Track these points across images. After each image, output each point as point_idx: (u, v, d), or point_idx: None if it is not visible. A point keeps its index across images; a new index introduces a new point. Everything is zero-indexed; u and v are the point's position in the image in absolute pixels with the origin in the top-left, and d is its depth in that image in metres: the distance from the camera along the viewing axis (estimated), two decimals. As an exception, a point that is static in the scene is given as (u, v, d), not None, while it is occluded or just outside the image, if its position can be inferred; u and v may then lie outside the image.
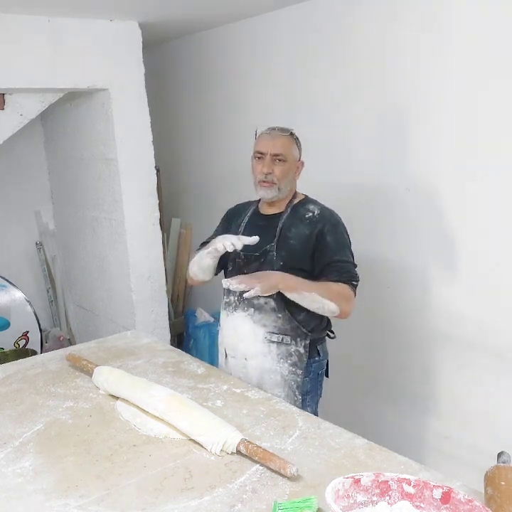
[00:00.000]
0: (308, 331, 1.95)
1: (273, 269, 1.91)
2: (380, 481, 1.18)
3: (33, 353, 3.18)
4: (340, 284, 1.88)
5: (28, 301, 3.54)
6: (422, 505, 1.15)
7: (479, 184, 2.19)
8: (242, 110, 3.20)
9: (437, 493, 1.14)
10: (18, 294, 3.53)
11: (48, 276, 3.91)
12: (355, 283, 1.91)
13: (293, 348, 1.95)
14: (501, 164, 2.11)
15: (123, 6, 2.64)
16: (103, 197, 3.20)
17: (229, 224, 2.14)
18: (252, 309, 1.96)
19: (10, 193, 3.75)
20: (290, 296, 1.86)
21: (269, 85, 3.00)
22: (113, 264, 3.27)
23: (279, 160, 1.93)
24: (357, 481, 1.17)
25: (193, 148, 3.67)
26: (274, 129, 1.97)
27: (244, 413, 1.66)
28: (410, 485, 1.17)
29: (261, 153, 1.95)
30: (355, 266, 1.95)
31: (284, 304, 1.91)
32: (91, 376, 1.89)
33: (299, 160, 2.01)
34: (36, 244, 3.89)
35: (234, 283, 1.79)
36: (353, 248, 1.98)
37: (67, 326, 3.93)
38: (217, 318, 2.95)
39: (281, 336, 1.94)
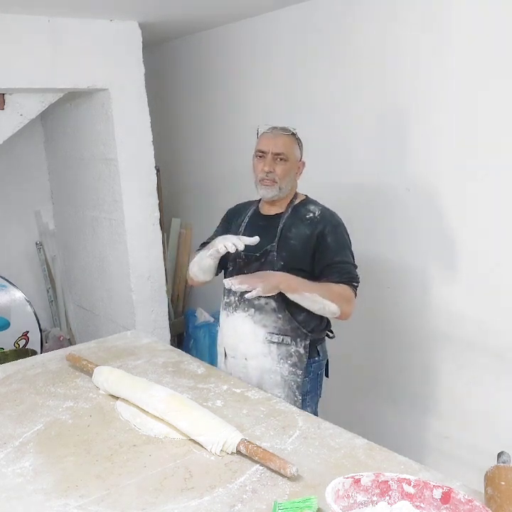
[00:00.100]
0: (308, 332, 1.95)
1: (274, 270, 1.91)
2: (380, 481, 1.18)
3: (33, 353, 3.18)
4: (341, 285, 1.87)
5: (28, 301, 3.55)
6: (422, 505, 1.15)
7: (479, 184, 2.19)
8: (242, 110, 3.20)
9: (437, 493, 1.14)
10: (18, 294, 3.53)
11: (48, 276, 3.91)
12: (355, 284, 1.91)
13: (293, 349, 1.95)
14: (501, 164, 2.11)
15: (123, 6, 2.64)
16: (103, 197, 3.20)
17: (229, 224, 2.14)
18: (253, 310, 1.96)
19: (10, 193, 3.75)
20: (291, 296, 1.86)
21: (269, 85, 3.00)
22: (113, 264, 3.27)
23: (281, 159, 1.93)
24: (357, 481, 1.17)
25: (193, 148, 3.67)
26: (276, 128, 1.97)
27: (244, 413, 1.66)
28: (410, 485, 1.17)
29: (262, 152, 1.94)
30: (356, 267, 1.95)
31: (284, 304, 1.91)
32: (91, 376, 1.89)
33: (301, 160, 2.01)
34: (36, 244, 3.89)
35: (236, 283, 1.79)
36: (353, 248, 1.98)
37: (67, 326, 3.93)
38: (217, 318, 2.95)
39: (281, 337, 1.94)
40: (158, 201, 3.18)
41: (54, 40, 2.72)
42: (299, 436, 1.52)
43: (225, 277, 2.08)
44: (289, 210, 1.99)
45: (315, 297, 1.84)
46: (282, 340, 1.94)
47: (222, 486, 1.31)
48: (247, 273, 1.95)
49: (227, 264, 2.06)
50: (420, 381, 2.54)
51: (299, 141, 1.99)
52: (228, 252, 1.87)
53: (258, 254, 1.95)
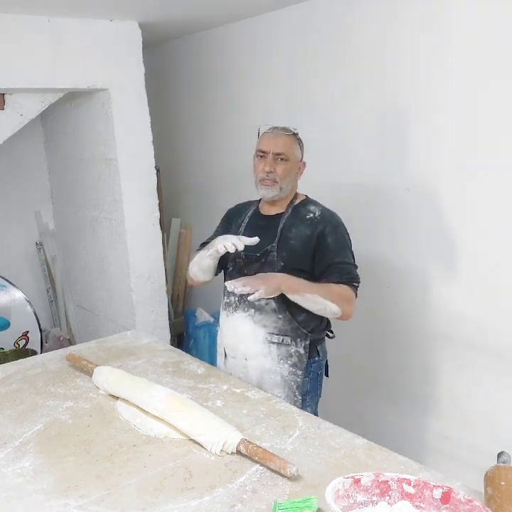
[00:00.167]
0: (309, 332, 1.95)
1: (274, 270, 1.91)
2: (380, 481, 1.18)
3: (33, 353, 3.18)
4: (341, 285, 1.87)
5: (28, 301, 3.55)
6: (422, 505, 1.15)
7: (479, 184, 2.19)
8: (242, 110, 3.20)
9: (437, 493, 1.14)
10: (18, 294, 3.53)
11: (48, 276, 3.92)
12: (356, 284, 1.91)
13: (293, 349, 1.95)
14: (501, 164, 2.11)
15: (123, 6, 2.64)
16: (103, 197, 3.20)
17: (229, 224, 2.14)
18: (253, 310, 1.96)
19: (10, 193, 3.75)
20: (292, 297, 1.85)
21: (269, 85, 3.00)
22: (113, 264, 3.27)
23: (282, 159, 1.93)
24: (357, 481, 1.17)
25: (193, 148, 3.67)
26: (277, 128, 1.97)
27: (244, 413, 1.66)
28: (410, 485, 1.17)
29: (263, 152, 1.94)
30: (356, 267, 1.95)
31: (285, 304, 1.91)
32: (91, 376, 1.89)
33: (301, 160, 2.01)
34: (36, 244, 3.89)
35: (238, 286, 1.78)
36: (353, 248, 1.98)
37: (67, 326, 3.93)
38: (217, 318, 2.94)
39: (281, 337, 1.94)
40: (158, 201, 3.18)
41: (54, 40, 2.72)
42: (299, 436, 1.52)
43: (224, 277, 2.09)
44: (289, 210, 1.99)
45: (316, 298, 1.84)
46: (282, 340, 1.94)
47: (222, 486, 1.31)
48: (247, 273, 1.95)
49: (227, 264, 2.06)
50: (420, 381, 2.54)
51: (299, 141, 1.99)
52: (228, 252, 1.87)
53: (258, 255, 1.95)
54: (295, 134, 1.97)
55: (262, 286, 1.77)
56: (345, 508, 1.13)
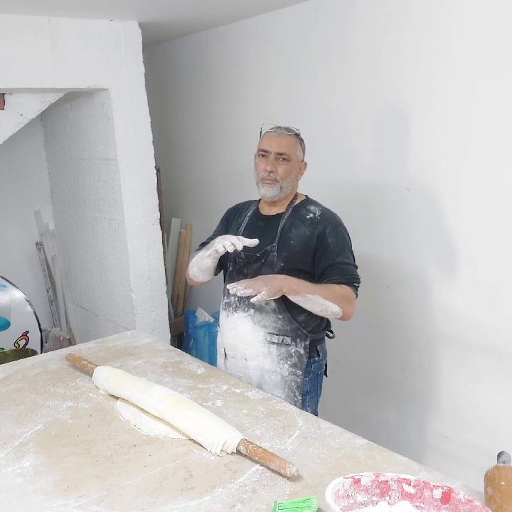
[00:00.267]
0: (308, 332, 1.95)
1: (274, 270, 1.91)
2: (380, 481, 1.18)
3: (33, 353, 3.18)
4: (342, 285, 1.88)
5: (28, 301, 3.54)
6: (422, 505, 1.15)
7: (479, 184, 2.19)
8: (242, 110, 3.20)
9: (437, 493, 1.14)
10: (18, 294, 3.53)
11: (48, 276, 3.92)
12: (356, 285, 1.91)
13: (293, 349, 1.95)
14: (501, 164, 2.11)
15: (123, 6, 2.64)
16: (103, 197, 3.20)
17: (229, 224, 2.13)
18: (253, 310, 1.96)
19: (10, 193, 3.75)
20: (293, 298, 1.85)
21: (269, 85, 3.00)
22: (113, 264, 3.27)
23: (283, 159, 1.93)
24: (357, 481, 1.17)
25: (193, 148, 3.67)
26: (279, 127, 1.97)
27: (244, 413, 1.66)
28: (410, 485, 1.17)
29: (265, 152, 1.94)
30: (356, 267, 1.95)
31: (285, 305, 1.91)
32: (91, 376, 1.89)
33: (303, 161, 2.01)
34: (36, 244, 3.89)
35: (240, 288, 1.78)
36: (353, 248, 1.98)
37: (67, 326, 3.93)
38: (217, 318, 2.95)
39: (281, 337, 1.94)
40: (158, 201, 3.18)
41: (54, 40, 2.72)
42: (299, 437, 1.52)
43: (224, 277, 2.09)
44: (289, 210, 1.99)
45: (317, 299, 1.84)
46: (282, 340, 1.94)
47: (222, 486, 1.31)
48: (247, 273, 1.95)
49: (227, 264, 2.06)
50: (420, 381, 2.54)
51: (301, 141, 1.99)
52: (227, 252, 1.87)
53: (258, 255, 1.95)
54: (297, 135, 1.97)
55: (264, 288, 1.77)
56: (345, 508, 1.13)
